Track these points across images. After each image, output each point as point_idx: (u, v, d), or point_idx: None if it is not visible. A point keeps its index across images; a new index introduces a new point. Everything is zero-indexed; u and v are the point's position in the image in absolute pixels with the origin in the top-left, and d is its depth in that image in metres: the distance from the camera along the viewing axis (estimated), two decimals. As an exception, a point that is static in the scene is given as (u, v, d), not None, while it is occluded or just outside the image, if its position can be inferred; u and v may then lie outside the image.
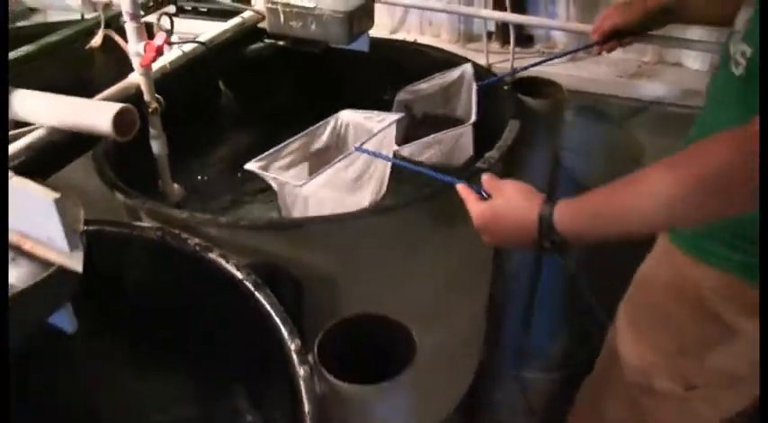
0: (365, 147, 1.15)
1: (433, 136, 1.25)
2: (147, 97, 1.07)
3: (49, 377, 0.98)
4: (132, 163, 1.13)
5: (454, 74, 1.36)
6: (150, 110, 1.08)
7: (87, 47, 1.26)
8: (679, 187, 0.70)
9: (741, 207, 0.71)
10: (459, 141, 1.27)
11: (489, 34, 1.59)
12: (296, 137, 1.26)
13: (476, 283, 1.37)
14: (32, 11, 1.86)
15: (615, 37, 1.24)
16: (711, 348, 1.02)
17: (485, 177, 0.90)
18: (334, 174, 1.14)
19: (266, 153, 1.21)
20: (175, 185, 1.21)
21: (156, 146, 1.14)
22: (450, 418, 1.52)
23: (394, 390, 0.72)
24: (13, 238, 0.66)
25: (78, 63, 1.31)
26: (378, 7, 1.39)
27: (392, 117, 1.25)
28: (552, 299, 1.95)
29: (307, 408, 0.69)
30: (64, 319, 0.75)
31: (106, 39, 1.23)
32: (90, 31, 1.27)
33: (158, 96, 1.09)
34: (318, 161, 1.26)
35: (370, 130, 1.24)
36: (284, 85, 1.53)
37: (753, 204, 0.68)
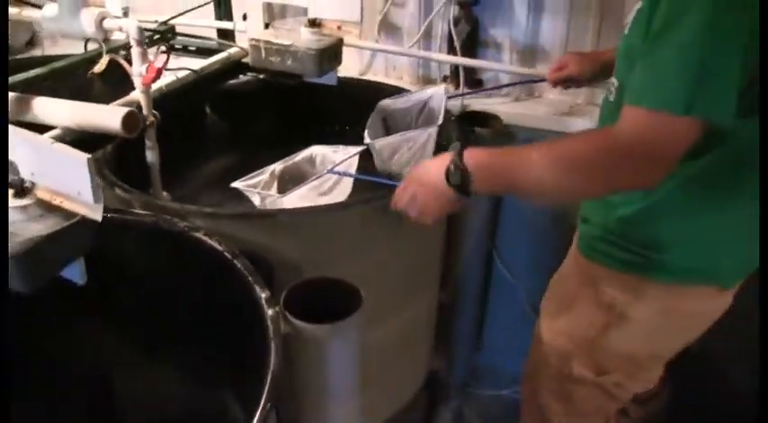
0: (335, 170, 1.36)
1: (402, 133, 1.45)
2: (145, 112, 1.26)
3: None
4: (126, 171, 1.32)
5: (428, 92, 1.56)
6: (147, 123, 1.28)
7: (91, 73, 1.46)
8: (549, 162, 0.92)
9: (592, 187, 0.95)
10: (426, 145, 1.45)
11: (444, 77, 1.82)
12: (275, 164, 1.47)
13: (427, 277, 1.56)
14: (29, 45, 2.06)
15: (566, 82, 1.47)
16: (609, 334, 1.19)
17: None
18: (310, 189, 1.34)
19: (250, 175, 1.41)
20: (164, 193, 1.39)
21: (151, 155, 1.32)
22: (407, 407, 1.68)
23: (343, 330, 0.90)
24: (45, 195, 0.84)
25: (80, 88, 1.51)
26: (349, 52, 1.62)
27: (356, 149, 1.46)
28: (502, 314, 2.14)
29: (273, 344, 0.86)
30: (76, 272, 0.91)
31: (109, 66, 1.44)
32: (91, 60, 1.47)
33: (155, 112, 1.29)
34: (292, 184, 1.45)
35: (334, 160, 1.44)
36: (263, 113, 1.75)
37: (601, 188, 0.95)
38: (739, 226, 1.06)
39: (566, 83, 1.48)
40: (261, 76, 1.67)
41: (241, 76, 1.64)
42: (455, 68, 1.75)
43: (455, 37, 1.69)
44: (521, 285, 2.02)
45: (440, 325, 1.84)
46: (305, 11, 1.53)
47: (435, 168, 1.02)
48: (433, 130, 1.45)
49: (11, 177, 0.83)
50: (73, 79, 1.47)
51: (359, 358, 0.96)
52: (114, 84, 1.37)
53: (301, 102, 1.76)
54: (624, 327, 1.17)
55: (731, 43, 0.82)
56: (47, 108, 1.11)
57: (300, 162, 1.50)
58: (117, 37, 1.42)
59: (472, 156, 0.98)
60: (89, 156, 0.76)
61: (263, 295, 0.92)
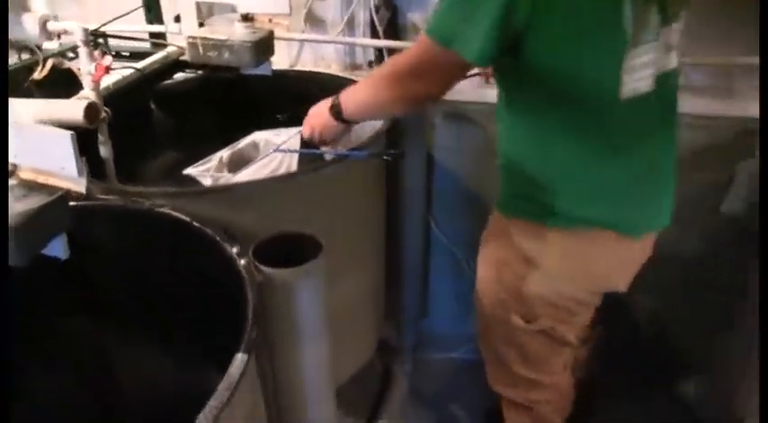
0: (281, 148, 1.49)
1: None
2: (96, 108, 1.35)
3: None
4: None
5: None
6: (100, 118, 1.36)
7: (30, 80, 1.52)
8: (370, 82, 1.26)
9: (393, 97, 1.22)
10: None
11: (370, 62, 1.96)
12: (221, 151, 1.57)
13: (372, 243, 1.69)
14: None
15: None
16: (528, 281, 1.34)
17: None
18: (259, 168, 1.46)
19: (199, 162, 1.52)
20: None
21: (104, 150, 1.40)
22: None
23: (308, 273, 1.02)
24: (28, 175, 0.93)
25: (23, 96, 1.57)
26: (278, 46, 1.72)
27: (296, 129, 1.58)
28: (444, 281, 2.29)
29: (249, 289, 0.97)
30: (59, 248, 1.00)
31: (48, 74, 1.51)
32: (29, 68, 1.54)
33: (106, 108, 1.37)
34: (239, 167, 1.56)
35: (277, 142, 1.56)
36: (204, 108, 1.84)
37: (399, 96, 1.22)
38: (608, 176, 1.22)
39: None
40: (199, 73, 1.78)
41: (180, 73, 1.74)
42: (379, 53, 1.89)
43: (377, 23, 1.84)
44: (459, 252, 2.19)
45: (387, 293, 1.98)
46: (232, 8, 1.64)
47: (324, 103, 1.35)
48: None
49: (-4, 161, 0.92)
50: (13, 88, 1.54)
51: (325, 302, 1.08)
52: (54, 91, 1.45)
53: (238, 95, 1.87)
54: (538, 273, 1.32)
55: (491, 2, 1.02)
56: (13, 108, 1.18)
57: (245, 148, 1.61)
58: (48, 46, 1.51)
59: (344, 91, 1.32)
60: (72, 132, 0.86)
61: (234, 249, 1.03)
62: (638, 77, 1.12)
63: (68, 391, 1.23)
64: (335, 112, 1.32)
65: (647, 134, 1.21)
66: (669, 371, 2.15)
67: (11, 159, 0.93)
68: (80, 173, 0.90)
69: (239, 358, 0.83)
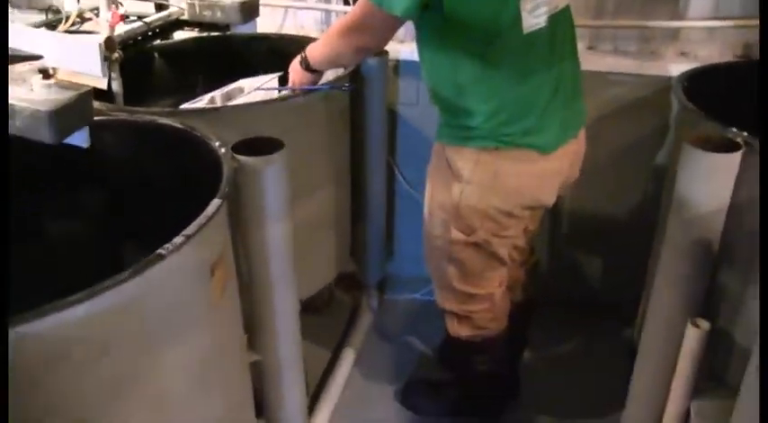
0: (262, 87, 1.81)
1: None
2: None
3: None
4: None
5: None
6: (114, 58, 1.68)
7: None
8: (328, 34, 1.63)
9: (348, 44, 1.58)
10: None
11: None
12: (212, 92, 1.88)
13: (337, 170, 2.02)
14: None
15: None
16: (463, 196, 1.62)
17: None
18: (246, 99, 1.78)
19: (193, 100, 1.83)
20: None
21: (116, 85, 1.71)
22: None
23: (273, 161, 1.33)
24: (64, 76, 1.24)
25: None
26: (264, 16, 2.06)
27: (275, 74, 1.90)
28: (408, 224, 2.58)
29: (225, 168, 1.28)
30: (82, 138, 1.31)
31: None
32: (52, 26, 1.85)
33: (119, 50, 1.68)
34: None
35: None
36: (198, 65, 2.15)
37: (352, 45, 1.58)
38: (517, 98, 1.52)
39: None
40: (196, 34, 2.09)
41: (180, 32, 2.05)
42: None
43: (349, -7, 2.16)
44: (422, 198, 2.49)
45: (353, 230, 2.29)
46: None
47: (297, 58, 1.71)
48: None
49: (40, 66, 1.23)
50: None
51: (286, 187, 1.39)
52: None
53: (228, 55, 2.18)
54: (472, 189, 1.61)
55: None
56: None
57: (232, 91, 1.93)
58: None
59: (308, 46, 1.69)
60: (101, 40, 1.18)
61: (218, 143, 1.34)
62: (535, 15, 1.46)
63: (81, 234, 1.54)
64: (305, 64, 1.68)
65: (547, 61, 1.53)
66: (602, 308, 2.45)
67: (51, 64, 1.24)
68: (104, 74, 1.21)
69: (215, 202, 1.14)
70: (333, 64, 1.74)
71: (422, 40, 1.56)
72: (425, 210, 1.78)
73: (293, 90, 1.71)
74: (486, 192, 1.60)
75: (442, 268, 1.78)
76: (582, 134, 1.70)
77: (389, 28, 1.50)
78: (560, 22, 1.53)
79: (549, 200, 1.69)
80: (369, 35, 1.52)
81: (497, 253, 1.72)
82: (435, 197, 1.71)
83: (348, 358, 2.34)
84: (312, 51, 1.66)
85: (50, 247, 1.50)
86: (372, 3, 1.42)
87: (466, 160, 1.59)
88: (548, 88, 1.55)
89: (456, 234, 1.68)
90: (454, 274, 1.76)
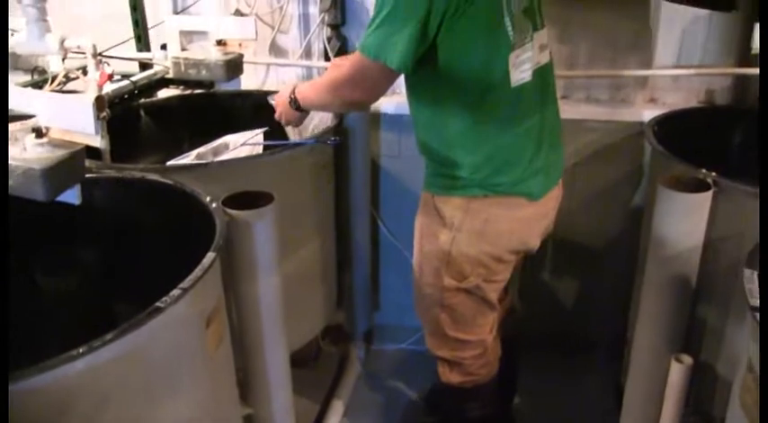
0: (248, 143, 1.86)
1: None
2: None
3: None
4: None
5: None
6: (102, 116, 1.71)
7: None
8: (320, 86, 1.67)
9: (337, 99, 1.61)
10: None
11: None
12: (197, 149, 1.93)
13: (323, 222, 2.05)
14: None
15: None
16: (455, 245, 1.65)
17: None
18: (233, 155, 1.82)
19: (179, 156, 1.87)
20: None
21: (103, 143, 1.74)
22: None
23: (263, 214, 1.37)
24: (56, 134, 1.27)
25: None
26: (247, 72, 2.12)
27: (261, 129, 1.95)
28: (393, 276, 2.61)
29: (217, 221, 1.31)
30: (74, 195, 1.33)
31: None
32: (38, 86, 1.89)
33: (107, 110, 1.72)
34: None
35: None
36: (183, 121, 2.20)
37: (341, 99, 1.60)
38: (504, 149, 1.58)
39: None
40: (180, 92, 2.15)
41: (165, 89, 2.11)
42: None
43: (329, 51, 2.23)
44: (406, 248, 2.53)
45: (339, 281, 2.32)
46: (207, 35, 2.03)
47: (285, 90, 1.75)
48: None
49: (33, 125, 1.26)
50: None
51: (276, 239, 1.42)
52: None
53: (212, 111, 2.23)
54: (462, 236, 1.64)
55: (406, 18, 1.39)
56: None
57: (218, 147, 1.97)
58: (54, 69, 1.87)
59: (298, 86, 1.73)
60: (93, 99, 1.22)
61: (208, 199, 1.37)
62: (521, 70, 1.53)
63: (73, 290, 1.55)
64: (294, 104, 1.72)
65: (533, 113, 1.59)
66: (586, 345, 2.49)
67: (43, 123, 1.27)
68: (96, 131, 1.25)
69: (210, 255, 1.17)
70: (321, 111, 1.83)
71: (412, 94, 1.61)
72: (414, 259, 1.80)
73: (280, 145, 1.76)
74: (477, 238, 1.64)
75: (434, 316, 1.80)
76: (560, 181, 1.76)
77: (384, 82, 1.51)
78: (544, 75, 1.61)
79: (535, 243, 1.74)
80: (361, 90, 1.54)
81: (488, 297, 1.75)
82: (425, 246, 1.74)
83: (337, 410, 2.33)
84: (300, 95, 1.70)
85: (42, 303, 1.51)
86: (367, 57, 1.45)
87: (455, 208, 1.63)
88: (533, 139, 1.61)
89: (448, 281, 1.71)
90: (446, 321, 1.77)
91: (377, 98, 1.60)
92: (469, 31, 1.44)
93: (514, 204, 1.62)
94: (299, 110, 1.72)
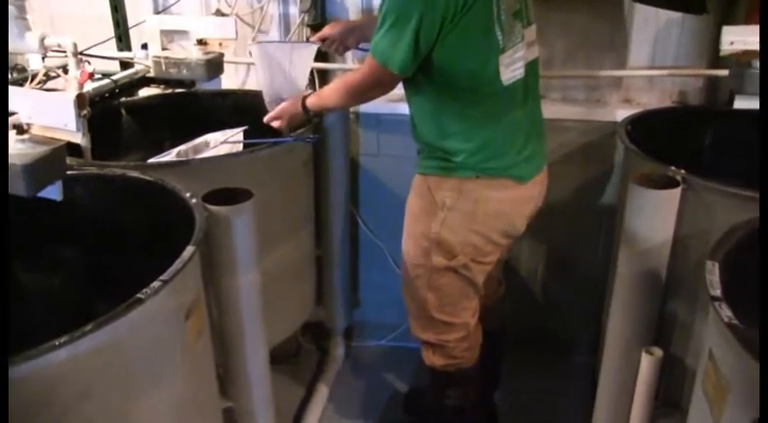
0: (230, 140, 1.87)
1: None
2: (80, 105, 1.71)
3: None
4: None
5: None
6: (83, 114, 1.73)
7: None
8: (337, 89, 1.73)
9: (356, 98, 1.79)
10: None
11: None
12: (178, 147, 1.94)
13: (302, 219, 2.08)
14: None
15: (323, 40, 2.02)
16: (446, 224, 1.71)
17: None
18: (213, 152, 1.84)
19: (159, 155, 1.88)
20: (96, 171, 1.83)
21: (84, 141, 1.75)
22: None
23: (241, 210, 1.39)
24: (38, 132, 1.28)
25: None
26: (228, 72, 2.14)
27: (241, 128, 1.97)
28: (373, 273, 2.64)
29: (197, 216, 1.33)
30: (55, 191, 1.34)
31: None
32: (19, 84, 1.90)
33: (88, 108, 1.74)
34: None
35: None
36: (164, 120, 2.21)
37: (361, 98, 1.81)
38: (496, 139, 1.67)
39: (324, 41, 2.02)
40: (161, 91, 2.16)
41: (146, 88, 2.12)
42: (311, 75, 2.31)
43: (309, 51, 2.25)
44: (384, 246, 2.57)
45: (320, 280, 2.35)
46: (188, 35, 2.05)
47: (296, 101, 1.82)
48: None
49: (14, 121, 1.28)
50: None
51: (255, 235, 1.44)
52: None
53: (192, 110, 2.25)
54: (454, 215, 1.71)
55: (406, 28, 1.49)
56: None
57: (198, 145, 1.98)
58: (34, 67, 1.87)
59: (312, 94, 1.82)
60: (74, 95, 1.23)
61: (188, 194, 1.39)
62: (513, 69, 1.64)
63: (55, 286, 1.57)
64: (305, 109, 1.81)
65: (522, 104, 1.69)
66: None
67: (24, 120, 1.28)
68: (78, 128, 1.26)
69: (189, 249, 1.19)
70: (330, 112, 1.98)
71: (411, 89, 1.70)
72: (404, 240, 1.86)
73: (259, 143, 1.78)
74: (468, 217, 1.71)
75: (421, 297, 1.85)
76: (545, 168, 1.84)
77: (394, 83, 1.65)
78: (532, 70, 1.71)
79: (522, 226, 1.81)
80: (378, 91, 1.69)
81: (474, 279, 1.81)
82: (417, 226, 1.80)
83: (317, 406, 2.36)
84: (319, 101, 1.80)
85: (24, 298, 1.52)
86: (379, 63, 1.58)
87: (449, 189, 1.71)
88: (523, 129, 1.71)
89: (438, 259, 1.77)
90: (433, 303, 1.84)
91: (389, 92, 1.73)
92: (462, 38, 1.54)
93: (504, 186, 1.71)
94: (307, 112, 1.82)
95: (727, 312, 0.94)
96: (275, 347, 1.94)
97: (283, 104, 1.85)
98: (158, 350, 1.13)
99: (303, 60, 1.95)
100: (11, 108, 1.30)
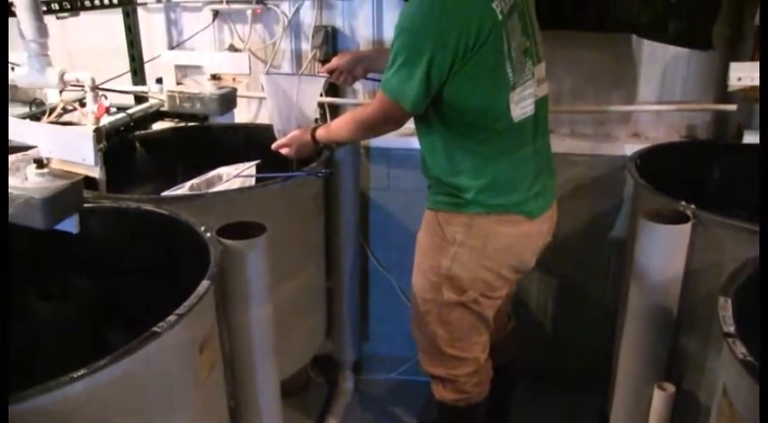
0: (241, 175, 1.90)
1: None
2: (97, 138, 1.74)
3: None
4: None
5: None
6: (99, 147, 1.75)
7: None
8: (348, 123, 1.75)
9: (367, 133, 1.85)
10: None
11: (315, 119, 2.40)
12: (192, 180, 1.96)
13: (313, 254, 2.08)
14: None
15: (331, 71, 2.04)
16: (457, 260, 1.73)
17: None
18: (226, 186, 1.86)
19: (174, 187, 1.90)
20: (110, 204, 1.85)
21: (99, 174, 1.79)
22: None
23: (255, 244, 1.40)
24: (57, 166, 1.31)
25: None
26: (241, 106, 2.17)
27: (253, 162, 2.00)
28: (383, 307, 2.64)
29: (212, 250, 1.35)
30: (72, 224, 1.36)
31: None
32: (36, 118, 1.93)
33: (104, 141, 1.77)
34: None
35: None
36: (177, 153, 2.24)
37: (372, 133, 1.88)
38: (507, 175, 1.68)
39: (332, 73, 2.04)
40: (175, 124, 2.19)
41: (160, 122, 2.15)
42: (323, 109, 2.34)
43: (321, 86, 2.29)
44: (393, 279, 2.57)
45: (330, 313, 2.35)
46: (202, 69, 2.08)
47: (304, 133, 1.87)
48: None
49: (34, 155, 1.30)
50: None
51: (268, 269, 1.45)
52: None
53: (206, 145, 2.28)
54: (464, 251, 1.73)
55: (418, 65, 1.52)
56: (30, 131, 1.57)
57: (211, 178, 2.01)
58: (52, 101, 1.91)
59: (321, 127, 1.85)
60: (92, 129, 1.26)
61: (203, 228, 1.41)
62: (523, 106, 1.66)
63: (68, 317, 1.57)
64: (315, 140, 1.85)
65: (532, 141, 1.71)
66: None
67: (45, 154, 1.31)
68: (96, 163, 1.28)
69: (204, 283, 1.20)
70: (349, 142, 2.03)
71: (422, 126, 1.72)
72: (415, 275, 1.87)
73: (272, 177, 1.80)
74: (478, 253, 1.72)
75: (432, 332, 1.85)
76: (555, 203, 1.85)
77: (405, 118, 1.66)
78: (541, 107, 1.72)
79: (531, 261, 1.82)
80: (388, 127, 1.71)
81: (484, 314, 1.82)
82: (427, 262, 1.81)
83: (326, 439, 2.34)
84: (328, 134, 1.83)
85: (36, 328, 1.53)
86: (390, 98, 1.60)
87: (459, 225, 1.72)
88: (533, 165, 1.72)
89: (448, 295, 1.78)
90: (443, 338, 1.84)
91: (399, 128, 1.75)
92: (473, 75, 1.56)
93: (514, 222, 1.72)
94: (317, 144, 1.87)
95: (741, 349, 0.94)
96: (285, 380, 1.93)
97: (293, 133, 1.88)
98: (172, 383, 1.13)
99: (312, 92, 1.98)
100: (30, 142, 1.33)
